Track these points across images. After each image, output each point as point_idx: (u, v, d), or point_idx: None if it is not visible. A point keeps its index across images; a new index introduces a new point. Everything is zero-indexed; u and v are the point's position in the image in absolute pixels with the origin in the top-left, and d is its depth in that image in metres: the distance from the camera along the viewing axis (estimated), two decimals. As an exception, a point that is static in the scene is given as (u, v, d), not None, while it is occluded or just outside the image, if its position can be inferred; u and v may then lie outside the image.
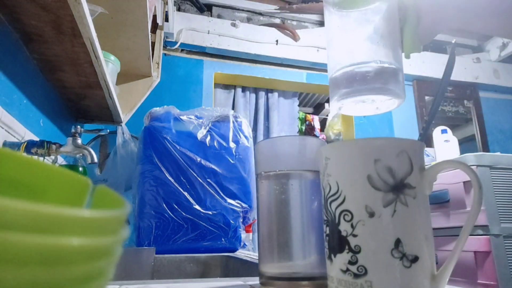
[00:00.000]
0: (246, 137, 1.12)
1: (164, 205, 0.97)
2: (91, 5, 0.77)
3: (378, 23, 0.41)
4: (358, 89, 0.41)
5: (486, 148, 2.66)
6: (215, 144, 1.06)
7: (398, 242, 0.27)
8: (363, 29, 0.42)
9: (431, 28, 0.42)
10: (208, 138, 1.06)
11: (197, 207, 0.99)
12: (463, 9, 0.41)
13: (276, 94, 2.55)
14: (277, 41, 2.41)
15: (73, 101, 1.11)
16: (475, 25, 0.43)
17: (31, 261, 0.11)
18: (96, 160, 0.84)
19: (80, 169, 0.88)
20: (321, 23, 2.66)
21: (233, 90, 2.48)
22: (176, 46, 2.21)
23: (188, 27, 2.25)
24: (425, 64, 2.66)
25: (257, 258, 0.40)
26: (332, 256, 0.30)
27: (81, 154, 0.85)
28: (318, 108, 3.45)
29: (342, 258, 0.29)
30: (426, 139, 2.14)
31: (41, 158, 0.79)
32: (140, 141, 1.07)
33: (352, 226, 0.28)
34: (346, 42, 0.43)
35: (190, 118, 1.08)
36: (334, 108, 0.44)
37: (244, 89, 2.50)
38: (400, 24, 0.43)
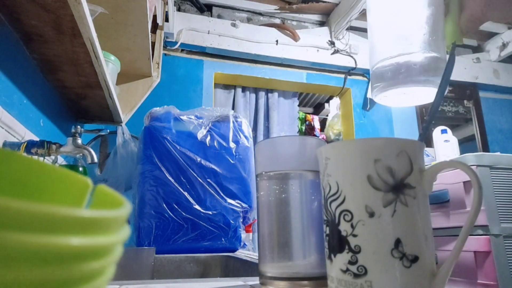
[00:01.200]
0: (246, 137, 1.12)
1: (164, 205, 0.97)
2: (91, 5, 0.77)
3: (424, 13, 0.41)
4: (403, 81, 0.41)
5: (486, 148, 2.66)
6: (215, 144, 1.06)
7: (398, 242, 0.27)
8: (408, 19, 0.42)
9: (477, 19, 0.42)
10: (208, 138, 1.06)
11: (197, 207, 0.99)
12: (507, 4, 0.41)
13: (276, 94, 2.55)
14: (277, 41, 2.41)
15: (73, 101, 1.11)
16: None
17: (31, 261, 0.11)
18: (96, 160, 0.84)
19: (80, 169, 0.88)
20: (321, 23, 2.66)
21: (233, 90, 2.48)
22: (176, 46, 2.21)
23: (188, 27, 2.25)
24: (425, 64, 2.66)
25: (257, 258, 0.40)
26: (332, 256, 0.30)
27: (81, 154, 0.85)
28: (318, 108, 3.46)
29: (342, 258, 0.29)
30: (426, 139, 2.14)
31: (41, 158, 0.79)
32: (140, 141, 1.07)
33: (352, 226, 0.28)
34: (391, 32, 0.43)
35: (190, 118, 1.08)
36: (375, 99, 0.44)
37: (244, 89, 2.50)
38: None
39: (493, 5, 0.40)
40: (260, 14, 2.55)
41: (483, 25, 2.59)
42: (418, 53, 0.39)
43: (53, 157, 0.84)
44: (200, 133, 1.06)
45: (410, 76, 0.39)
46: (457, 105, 2.81)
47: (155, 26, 1.59)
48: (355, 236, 0.28)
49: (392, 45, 0.40)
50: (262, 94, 2.52)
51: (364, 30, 2.67)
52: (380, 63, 0.40)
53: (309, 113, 3.07)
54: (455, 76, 2.68)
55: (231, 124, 1.10)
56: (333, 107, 2.74)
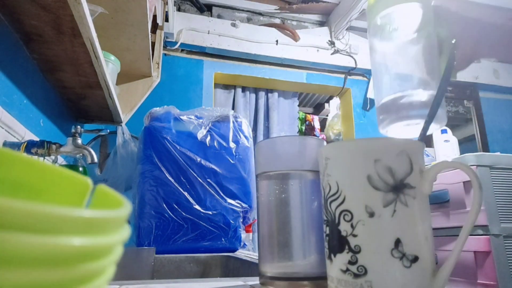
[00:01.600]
0: (246, 137, 1.12)
1: (164, 205, 0.97)
2: (91, 5, 0.77)
3: (421, 54, 0.46)
4: (407, 115, 0.45)
5: (486, 148, 2.66)
6: (215, 144, 1.06)
7: (398, 242, 0.27)
8: (408, 60, 0.46)
9: (467, 58, 0.45)
10: (208, 138, 1.06)
11: (197, 207, 0.99)
12: (497, 42, 0.47)
13: (276, 94, 2.55)
14: (277, 41, 2.41)
15: (73, 101, 1.11)
16: (509, 57, 0.50)
17: (31, 261, 0.11)
18: (96, 160, 0.84)
19: (80, 169, 0.88)
20: (321, 23, 2.66)
21: (233, 90, 2.48)
22: (176, 46, 2.21)
23: (188, 27, 2.25)
24: (425, 64, 2.66)
25: (257, 258, 0.40)
26: (332, 256, 0.30)
27: (81, 154, 0.85)
28: (318, 108, 3.46)
29: (342, 258, 0.29)
30: (426, 139, 2.14)
31: (41, 158, 0.79)
32: (140, 141, 1.07)
33: (352, 226, 0.28)
34: (394, 72, 0.47)
35: (190, 118, 1.08)
36: (382, 131, 0.48)
37: (244, 89, 2.50)
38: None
39: (483, 45, 0.44)
40: (260, 14, 2.55)
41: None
42: (419, 90, 0.44)
43: (53, 157, 0.84)
44: (200, 133, 1.06)
45: (412, 111, 0.43)
46: (457, 105, 2.81)
47: (155, 26, 1.59)
48: (355, 236, 0.28)
49: (395, 84, 0.46)
50: (262, 94, 2.52)
51: (364, 30, 2.67)
52: (385, 99, 0.46)
53: (309, 113, 3.07)
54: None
55: (231, 124, 1.10)
56: (333, 107, 2.74)
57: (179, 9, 2.38)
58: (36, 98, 0.89)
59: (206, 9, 2.43)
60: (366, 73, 2.62)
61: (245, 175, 1.06)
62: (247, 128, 1.14)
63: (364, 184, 0.28)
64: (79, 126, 0.85)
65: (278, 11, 2.53)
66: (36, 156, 0.78)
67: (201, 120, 1.09)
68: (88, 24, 0.69)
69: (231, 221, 1.01)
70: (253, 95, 2.52)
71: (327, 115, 2.86)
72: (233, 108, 2.44)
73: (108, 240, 0.13)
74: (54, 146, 0.80)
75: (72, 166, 0.88)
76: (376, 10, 0.47)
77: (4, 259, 0.10)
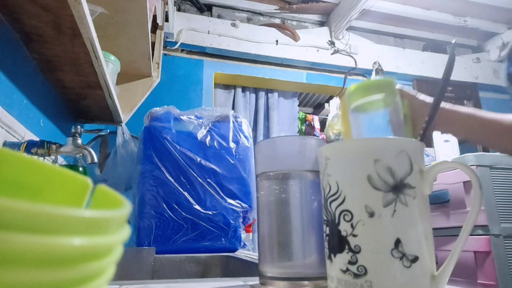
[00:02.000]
0: (246, 137, 1.11)
1: (164, 205, 0.97)
2: (91, 5, 0.77)
3: (391, 123, 0.56)
4: None
5: (486, 148, 2.66)
6: (215, 144, 1.06)
7: (398, 242, 0.27)
8: (381, 128, 0.58)
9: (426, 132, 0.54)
10: (208, 138, 1.06)
11: (197, 207, 0.99)
12: (447, 123, 0.60)
13: (276, 94, 2.55)
14: (277, 41, 2.41)
15: (73, 101, 1.10)
16: (458, 135, 0.64)
17: (31, 261, 0.11)
18: (96, 160, 0.84)
19: (80, 169, 0.88)
20: (321, 23, 2.66)
21: (233, 90, 2.48)
22: (176, 46, 2.21)
23: (188, 27, 2.25)
24: (425, 64, 2.66)
25: (257, 258, 0.40)
26: (332, 256, 0.30)
27: (81, 154, 0.85)
28: (318, 108, 3.45)
29: (342, 258, 0.29)
30: (426, 139, 2.14)
31: (41, 158, 0.79)
32: (140, 141, 1.07)
33: (352, 226, 0.28)
34: (371, 136, 0.57)
35: (190, 118, 1.08)
36: None
37: (244, 89, 2.50)
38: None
39: (436, 124, 0.57)
40: (260, 14, 2.55)
41: (482, 26, 2.60)
42: None
43: (53, 157, 0.84)
44: (200, 133, 1.06)
45: None
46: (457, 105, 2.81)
47: (155, 26, 1.58)
48: (355, 236, 0.28)
49: None
50: (262, 94, 2.52)
51: (364, 30, 2.67)
52: None
53: (309, 113, 3.07)
54: (455, 76, 2.68)
55: (231, 124, 1.10)
56: (333, 107, 2.74)
57: (179, 9, 2.38)
58: (36, 98, 0.89)
59: (206, 9, 2.43)
60: (366, 73, 2.62)
61: (245, 175, 1.06)
62: (247, 128, 1.14)
63: (364, 184, 0.28)
64: (79, 126, 0.85)
65: (278, 11, 2.53)
66: (36, 156, 0.78)
67: (201, 120, 1.09)
68: (88, 24, 0.69)
69: (231, 221, 1.01)
70: (253, 95, 2.52)
71: (327, 115, 2.85)
72: (233, 108, 2.44)
73: (108, 240, 0.13)
74: (54, 146, 0.80)
75: (72, 166, 0.88)
76: (355, 98, 0.61)
77: (4, 259, 0.10)
